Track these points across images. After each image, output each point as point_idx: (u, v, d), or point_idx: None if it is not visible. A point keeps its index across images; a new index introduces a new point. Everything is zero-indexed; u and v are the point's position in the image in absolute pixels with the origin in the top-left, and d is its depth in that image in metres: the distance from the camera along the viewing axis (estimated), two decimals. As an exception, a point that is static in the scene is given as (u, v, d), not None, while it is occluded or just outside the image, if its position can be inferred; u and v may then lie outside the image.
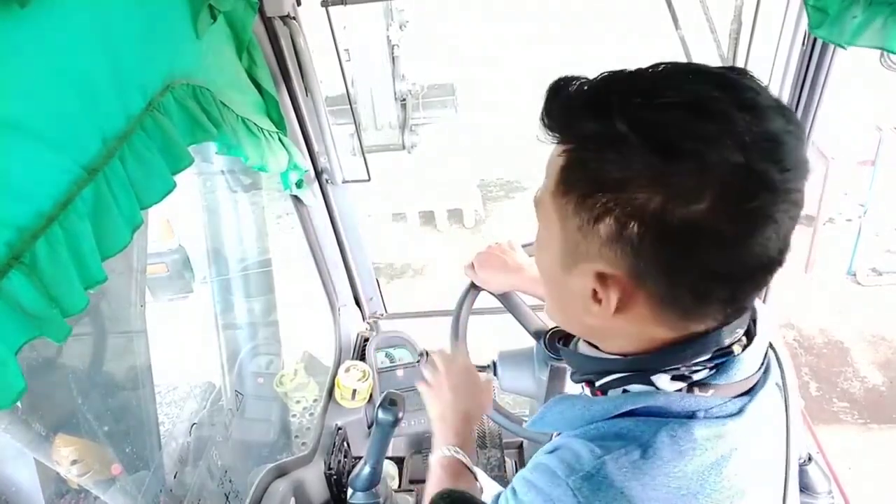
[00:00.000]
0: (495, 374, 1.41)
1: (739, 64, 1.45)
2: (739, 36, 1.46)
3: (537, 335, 1.36)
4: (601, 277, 0.55)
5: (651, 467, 0.54)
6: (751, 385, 0.61)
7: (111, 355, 1.32)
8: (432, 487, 0.95)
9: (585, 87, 0.54)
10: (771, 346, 0.67)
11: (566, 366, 1.32)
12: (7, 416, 0.96)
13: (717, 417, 0.58)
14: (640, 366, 0.60)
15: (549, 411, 0.66)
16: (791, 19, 1.29)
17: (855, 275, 4.60)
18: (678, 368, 0.59)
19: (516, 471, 1.87)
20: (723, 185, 0.47)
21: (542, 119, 0.56)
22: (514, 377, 1.40)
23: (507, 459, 1.83)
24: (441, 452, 0.98)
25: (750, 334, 0.62)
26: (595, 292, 0.56)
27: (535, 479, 0.58)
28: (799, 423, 0.71)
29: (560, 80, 0.57)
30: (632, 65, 0.55)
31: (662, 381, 0.59)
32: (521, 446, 1.94)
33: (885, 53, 1.17)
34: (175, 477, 1.42)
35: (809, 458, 1.35)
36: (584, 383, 0.68)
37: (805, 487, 1.35)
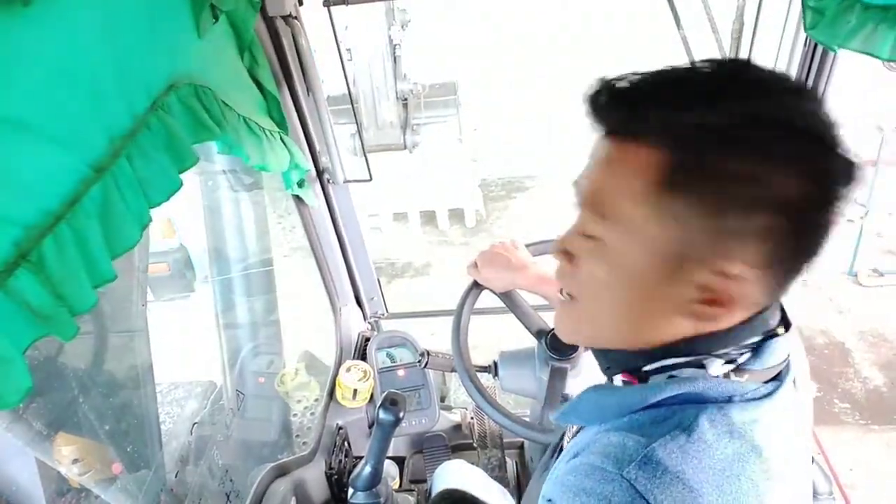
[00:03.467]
0: (496, 374, 1.41)
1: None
2: (741, 35, 1.45)
3: (539, 335, 1.36)
4: (723, 276, 0.54)
5: (697, 450, 0.53)
6: (778, 371, 0.61)
7: (112, 354, 1.31)
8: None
9: (659, 79, 0.53)
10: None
11: (567, 366, 1.32)
12: (8, 414, 0.96)
13: (751, 401, 0.57)
14: (698, 350, 0.59)
15: (582, 401, 0.64)
16: (793, 19, 1.29)
17: (856, 275, 4.60)
18: (728, 353, 0.59)
19: (517, 471, 1.87)
20: (847, 171, 0.52)
21: (608, 117, 0.55)
22: (515, 377, 1.40)
23: (507, 460, 1.84)
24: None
25: (786, 318, 0.62)
26: (710, 293, 0.55)
27: (578, 482, 0.54)
28: (809, 417, 0.71)
29: (613, 78, 0.55)
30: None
31: (715, 365, 0.58)
32: (521, 446, 1.94)
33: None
34: (176, 476, 1.42)
35: (811, 459, 1.35)
36: (620, 374, 0.64)
37: (806, 488, 1.35)
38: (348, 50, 4.45)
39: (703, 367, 0.58)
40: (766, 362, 0.59)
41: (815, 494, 1.36)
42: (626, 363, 0.63)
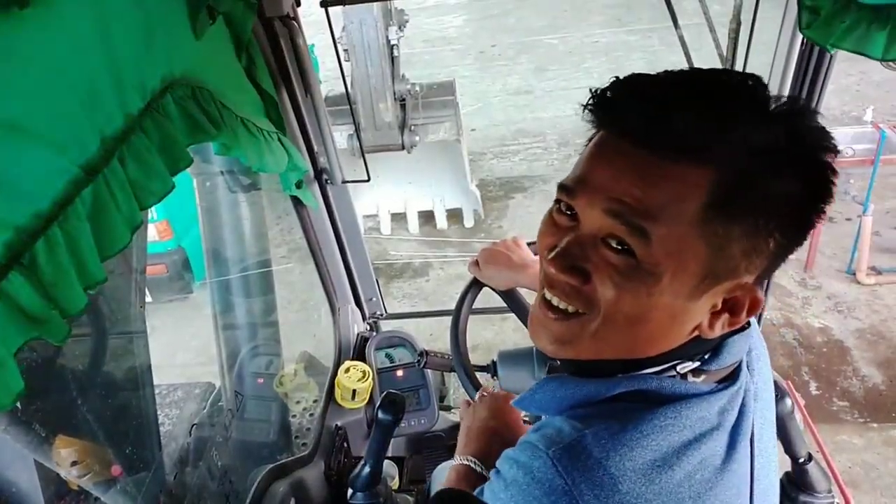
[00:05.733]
0: (495, 373, 1.41)
1: (739, 64, 1.45)
2: (738, 36, 1.46)
3: (537, 334, 1.36)
4: (740, 287, 0.56)
5: (629, 439, 0.55)
6: (733, 369, 0.63)
7: (111, 356, 1.31)
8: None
9: (688, 89, 0.52)
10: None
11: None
12: (7, 417, 0.96)
13: (703, 398, 0.59)
14: (689, 354, 0.60)
15: (538, 390, 0.66)
16: (790, 19, 1.29)
17: (855, 274, 4.60)
18: (699, 353, 0.61)
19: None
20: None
21: (636, 126, 0.52)
22: (513, 377, 1.40)
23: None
24: (459, 461, 0.96)
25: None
26: (722, 305, 0.57)
27: (516, 456, 0.59)
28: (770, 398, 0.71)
29: (631, 81, 0.53)
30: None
31: (686, 366, 0.60)
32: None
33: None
34: (175, 478, 1.42)
35: (809, 458, 1.34)
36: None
37: (805, 487, 1.35)
38: (345, 51, 4.44)
39: (674, 368, 0.60)
40: (725, 361, 0.61)
41: (815, 493, 1.36)
42: (602, 370, 0.62)
